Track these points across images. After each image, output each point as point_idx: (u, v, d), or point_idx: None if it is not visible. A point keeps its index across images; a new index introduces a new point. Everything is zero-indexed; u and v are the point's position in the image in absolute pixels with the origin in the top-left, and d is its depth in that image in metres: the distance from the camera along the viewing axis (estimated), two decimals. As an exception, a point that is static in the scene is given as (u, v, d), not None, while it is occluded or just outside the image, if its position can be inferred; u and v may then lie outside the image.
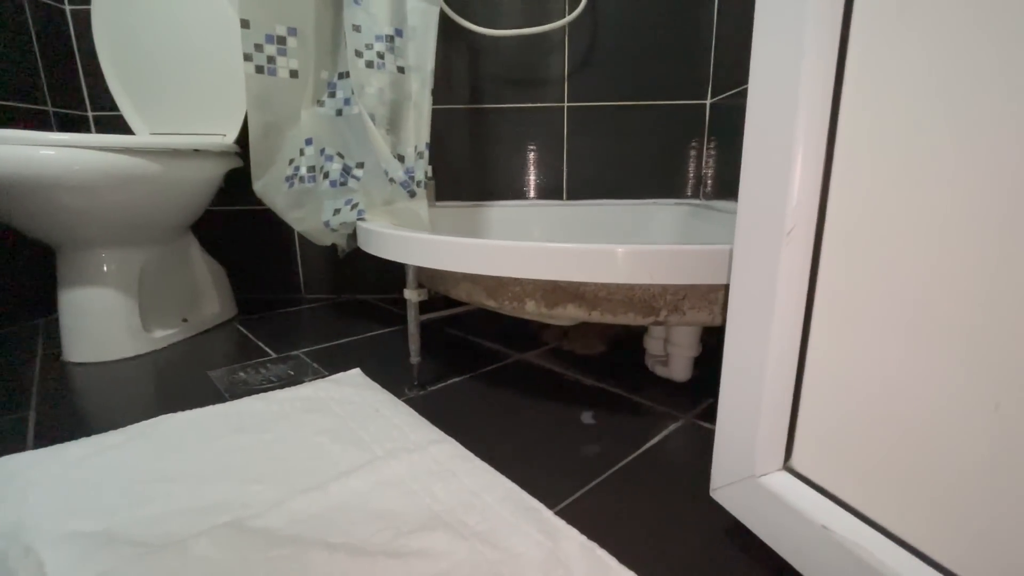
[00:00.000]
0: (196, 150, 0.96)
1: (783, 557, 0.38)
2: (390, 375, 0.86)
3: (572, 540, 0.46)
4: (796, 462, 0.39)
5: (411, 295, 0.76)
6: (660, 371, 0.82)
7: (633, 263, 0.57)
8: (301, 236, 1.39)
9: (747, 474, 0.40)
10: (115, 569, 0.43)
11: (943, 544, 0.29)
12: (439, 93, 1.29)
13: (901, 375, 0.30)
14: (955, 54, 0.27)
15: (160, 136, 0.91)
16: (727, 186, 1.21)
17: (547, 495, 0.54)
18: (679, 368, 0.79)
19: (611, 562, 0.43)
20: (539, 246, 0.60)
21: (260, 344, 1.03)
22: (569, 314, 0.69)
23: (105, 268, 0.92)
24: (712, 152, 1.28)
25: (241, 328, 1.14)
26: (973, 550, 0.27)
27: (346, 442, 0.63)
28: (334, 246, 1.37)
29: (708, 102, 1.27)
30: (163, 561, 0.43)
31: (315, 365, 0.91)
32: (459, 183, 1.36)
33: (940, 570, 0.29)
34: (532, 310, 0.71)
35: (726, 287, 0.63)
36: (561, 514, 0.51)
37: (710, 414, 0.72)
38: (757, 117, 0.37)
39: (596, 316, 0.68)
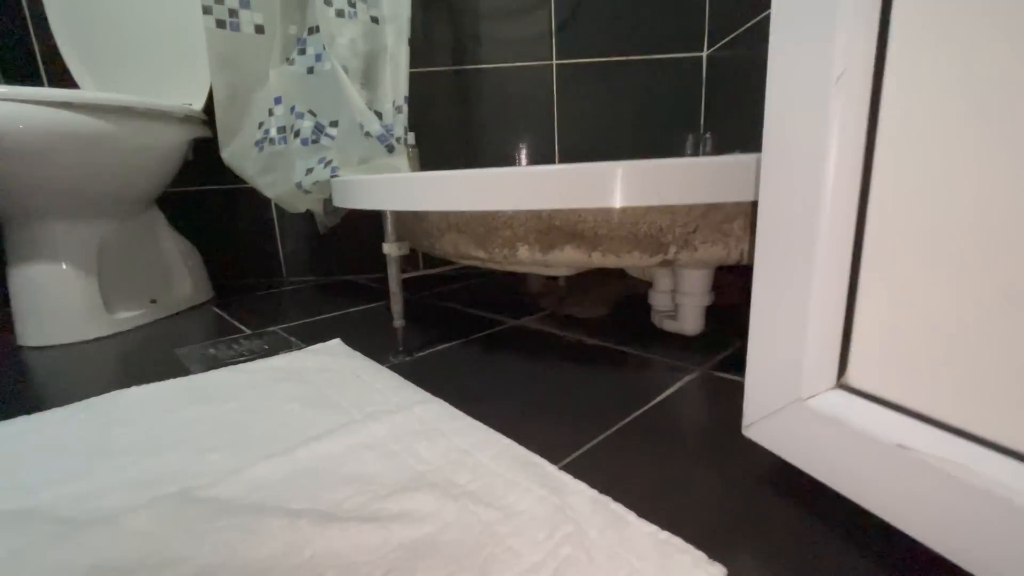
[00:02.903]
0: (155, 113, 0.88)
1: (842, 493, 0.31)
2: (375, 345, 0.79)
3: (581, 494, 0.38)
4: (853, 376, 0.32)
5: (390, 248, 0.68)
6: (669, 326, 0.75)
7: (639, 182, 0.50)
8: (281, 216, 1.31)
9: (791, 399, 0.33)
10: (28, 548, 0.35)
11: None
12: (419, 56, 1.21)
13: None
14: None
15: (110, 93, 0.83)
16: (727, 145, 1.14)
17: (549, 451, 0.46)
18: (690, 319, 0.71)
19: (629, 516, 0.36)
20: (531, 169, 0.53)
21: (235, 323, 0.95)
22: (567, 258, 0.62)
23: (59, 243, 0.84)
24: (711, 108, 1.20)
25: (216, 310, 1.06)
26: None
27: (320, 407, 0.56)
28: (314, 224, 1.29)
29: (704, 54, 1.20)
30: (88, 538, 0.36)
31: (294, 339, 0.84)
32: (445, 152, 1.28)
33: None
34: (526, 257, 0.64)
35: (745, 213, 0.56)
36: (566, 470, 0.43)
37: (728, 364, 0.65)
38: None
39: (597, 258, 0.61)
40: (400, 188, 0.62)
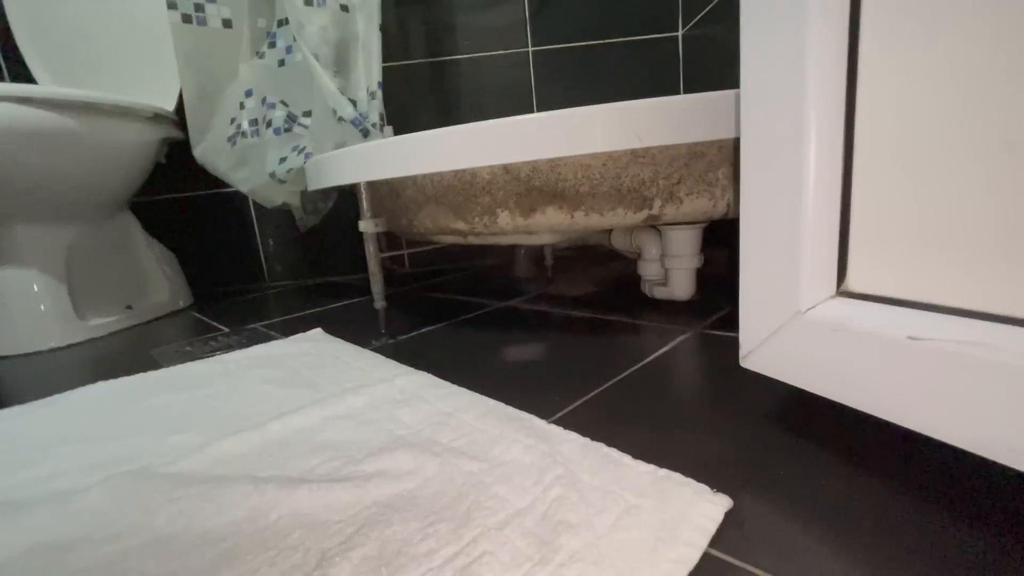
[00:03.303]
0: (120, 110, 0.85)
1: (853, 405, 0.28)
2: (358, 333, 0.76)
3: (572, 443, 0.36)
4: (854, 280, 0.29)
5: (366, 225, 0.66)
6: (659, 292, 0.73)
7: (617, 124, 0.48)
8: (261, 220, 1.29)
9: (789, 314, 0.31)
10: (-39, 533, 0.32)
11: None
12: (394, 50, 1.20)
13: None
14: None
15: (72, 88, 0.81)
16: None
17: (538, 409, 0.43)
18: (680, 283, 0.69)
19: (625, 458, 0.33)
20: (504, 120, 0.51)
21: (213, 323, 0.92)
22: (549, 221, 0.59)
23: (24, 247, 0.81)
24: (689, 87, 1.20)
25: (195, 314, 1.02)
26: None
27: (296, 386, 0.52)
28: (295, 227, 1.26)
29: (680, 34, 1.20)
30: (29, 518, 0.32)
31: (274, 334, 0.80)
32: (425, 146, 1.26)
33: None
34: (507, 224, 0.61)
35: (729, 162, 0.54)
36: (557, 424, 0.40)
37: (723, 324, 0.62)
38: None
39: (580, 218, 0.58)
40: (372, 156, 0.59)
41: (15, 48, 1.03)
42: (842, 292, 0.30)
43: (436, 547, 0.27)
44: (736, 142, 0.53)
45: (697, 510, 0.27)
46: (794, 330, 0.31)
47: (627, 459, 0.33)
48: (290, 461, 0.37)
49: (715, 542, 0.26)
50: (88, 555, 0.29)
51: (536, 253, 1.08)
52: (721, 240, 0.98)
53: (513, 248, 1.10)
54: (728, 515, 0.28)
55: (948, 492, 0.28)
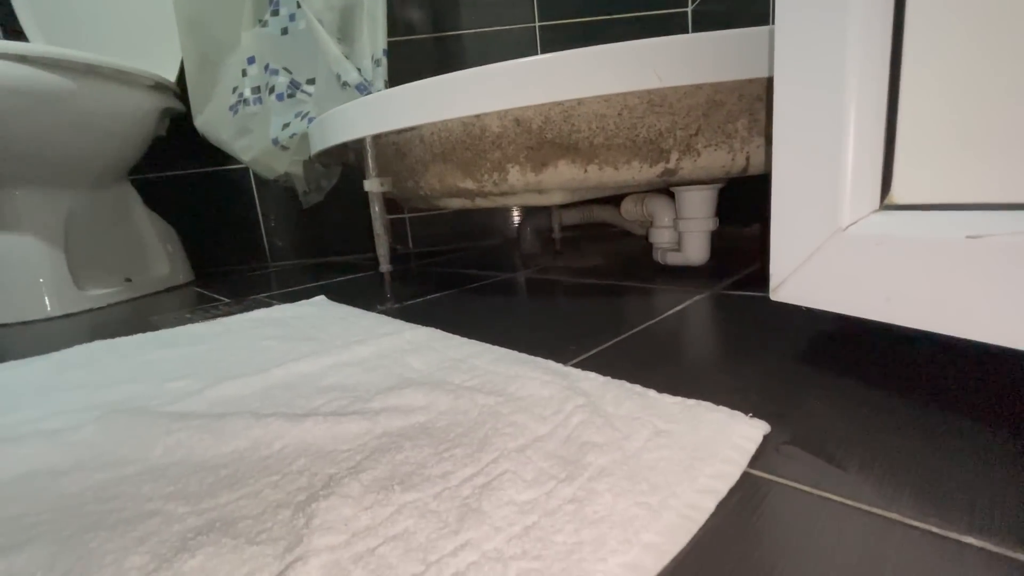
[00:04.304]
0: (120, 75, 0.83)
1: (904, 324, 0.26)
2: (362, 301, 0.74)
3: (592, 380, 0.34)
4: (899, 192, 0.27)
5: (372, 185, 0.64)
6: (673, 259, 0.71)
7: (635, 61, 0.46)
8: (263, 199, 1.27)
9: (829, 232, 0.29)
10: (-54, 463, 0.30)
11: None
12: (398, 26, 1.18)
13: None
14: None
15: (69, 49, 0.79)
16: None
17: (553, 357, 0.42)
18: (695, 247, 0.67)
19: (649, 392, 0.31)
20: (518, 61, 0.49)
21: (214, 295, 0.90)
22: (561, 176, 0.58)
23: (22, 212, 0.79)
24: (699, 63, 1.17)
25: (197, 289, 1.01)
26: None
27: (299, 340, 0.51)
28: (298, 205, 1.24)
29: (689, 9, 1.18)
30: (20, 449, 0.30)
31: (276, 303, 0.79)
32: (430, 123, 1.24)
33: None
34: (517, 181, 0.59)
35: (749, 112, 0.52)
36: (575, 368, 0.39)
37: (742, 285, 0.60)
38: None
39: (594, 173, 0.57)
40: (380, 106, 0.57)
41: (12, 16, 1.01)
42: (886, 206, 0.28)
43: (452, 469, 0.25)
44: (757, 89, 0.51)
45: (733, 430, 0.25)
46: (834, 250, 0.29)
47: (652, 392, 0.31)
48: (295, 400, 0.35)
49: (754, 463, 0.24)
50: (81, 480, 0.27)
51: (544, 230, 1.06)
52: (748, 223, 0.96)
53: (519, 226, 1.08)
54: (765, 439, 0.26)
55: (999, 407, 0.26)
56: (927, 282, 0.24)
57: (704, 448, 0.24)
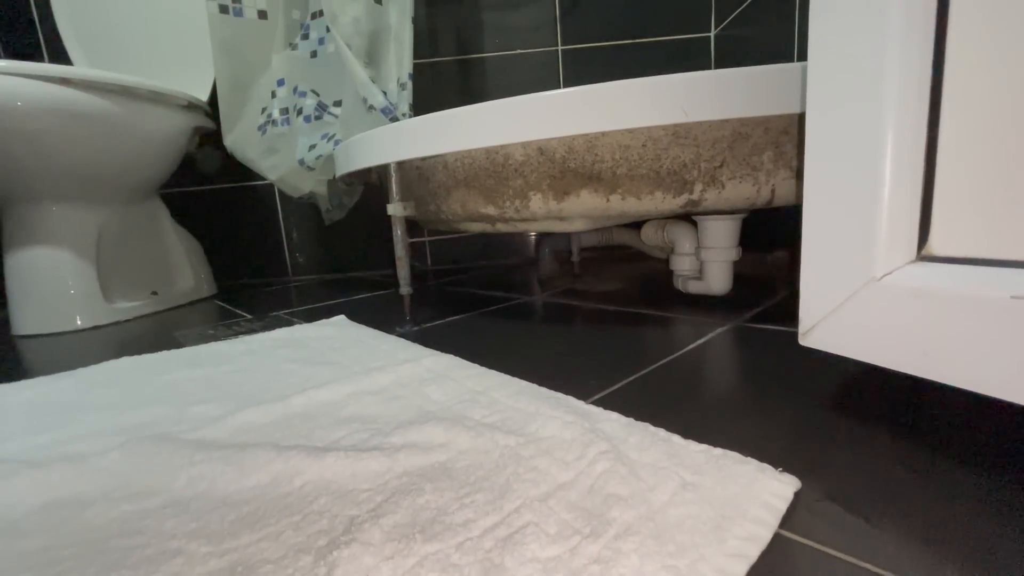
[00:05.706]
0: (155, 96, 0.86)
1: (940, 380, 0.25)
2: (381, 321, 0.74)
3: (613, 421, 0.33)
4: (937, 243, 0.27)
5: (395, 209, 0.65)
6: (694, 287, 0.70)
7: (662, 97, 0.46)
8: (287, 216, 1.29)
9: (862, 281, 0.28)
10: (-23, 487, 0.30)
11: None
12: (423, 47, 1.20)
13: None
14: None
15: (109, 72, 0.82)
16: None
17: (574, 393, 0.41)
18: (717, 276, 0.66)
19: (674, 437, 0.30)
20: (544, 94, 0.49)
21: (237, 311, 0.91)
22: (583, 205, 0.58)
23: (56, 227, 0.82)
24: (722, 87, 1.17)
25: (219, 303, 1.02)
26: None
27: (320, 364, 0.51)
28: (320, 222, 1.26)
29: (712, 34, 1.18)
30: (46, 475, 0.31)
31: (296, 321, 0.80)
32: (451, 143, 1.26)
33: None
34: (539, 208, 0.59)
35: (775, 144, 0.52)
36: (595, 405, 0.38)
37: (765, 318, 0.59)
38: None
39: (616, 202, 0.56)
40: (405, 134, 0.58)
41: (57, 37, 1.06)
42: (923, 256, 0.27)
43: (474, 517, 0.24)
44: (784, 122, 0.50)
45: (763, 487, 0.25)
46: (867, 299, 0.28)
47: (676, 438, 0.30)
48: (315, 432, 0.35)
49: (784, 524, 0.23)
50: (105, 512, 0.27)
51: (562, 251, 1.06)
52: (777, 241, 0.95)
53: (537, 247, 1.09)
54: (796, 496, 0.25)
55: (1047, 481, 0.25)
56: (968, 340, 0.23)
57: (732, 505, 0.24)
